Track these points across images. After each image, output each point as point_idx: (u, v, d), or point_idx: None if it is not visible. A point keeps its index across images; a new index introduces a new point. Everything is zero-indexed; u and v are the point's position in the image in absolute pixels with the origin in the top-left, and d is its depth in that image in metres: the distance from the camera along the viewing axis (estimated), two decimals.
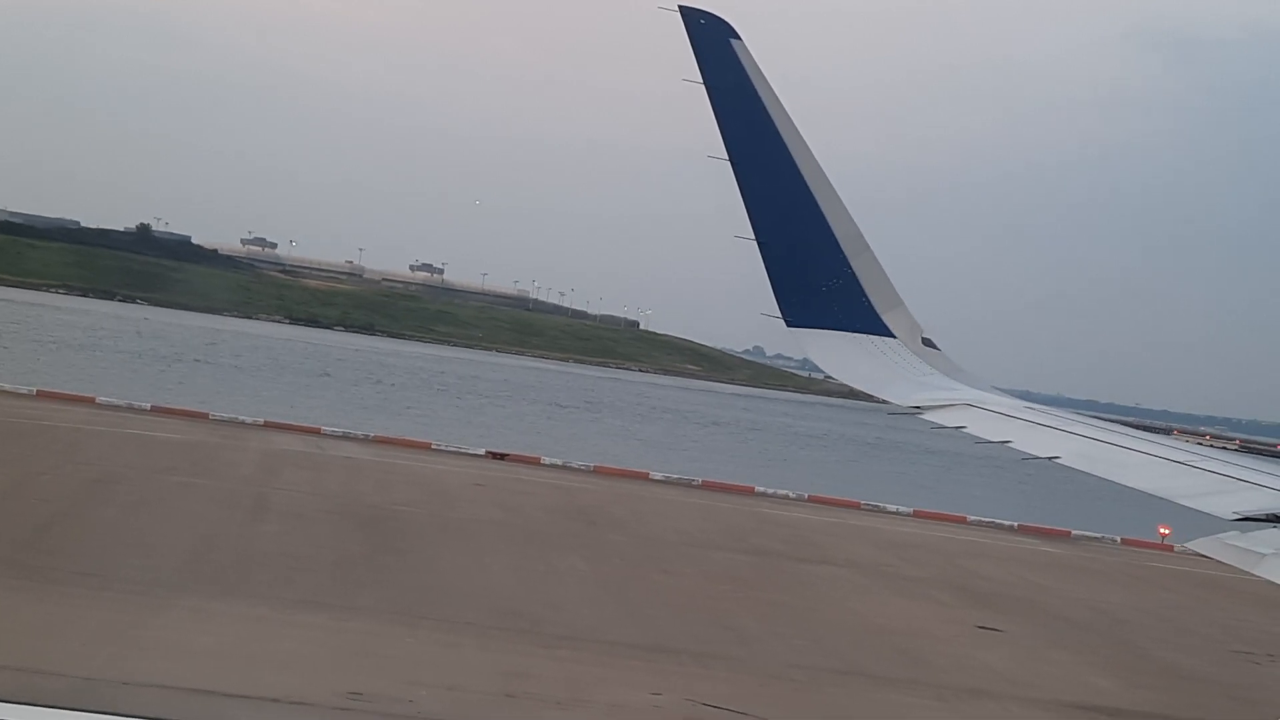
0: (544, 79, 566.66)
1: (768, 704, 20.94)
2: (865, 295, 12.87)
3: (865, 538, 41.98)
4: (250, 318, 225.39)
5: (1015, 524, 49.11)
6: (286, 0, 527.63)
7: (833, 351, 12.99)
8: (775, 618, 28.03)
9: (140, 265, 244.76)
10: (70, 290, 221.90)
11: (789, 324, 12.86)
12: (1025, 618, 31.82)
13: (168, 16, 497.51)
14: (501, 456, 48.63)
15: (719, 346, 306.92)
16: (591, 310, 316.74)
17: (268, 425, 48.73)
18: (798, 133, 12.48)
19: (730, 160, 12.34)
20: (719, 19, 12.32)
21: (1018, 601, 33.97)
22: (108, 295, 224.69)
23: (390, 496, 36.82)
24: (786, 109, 12.45)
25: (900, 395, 12.52)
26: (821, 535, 41.27)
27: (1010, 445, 11.21)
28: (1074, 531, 49.23)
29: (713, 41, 12.30)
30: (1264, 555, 8.75)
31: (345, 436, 48.57)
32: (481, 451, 49.16)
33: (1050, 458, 10.82)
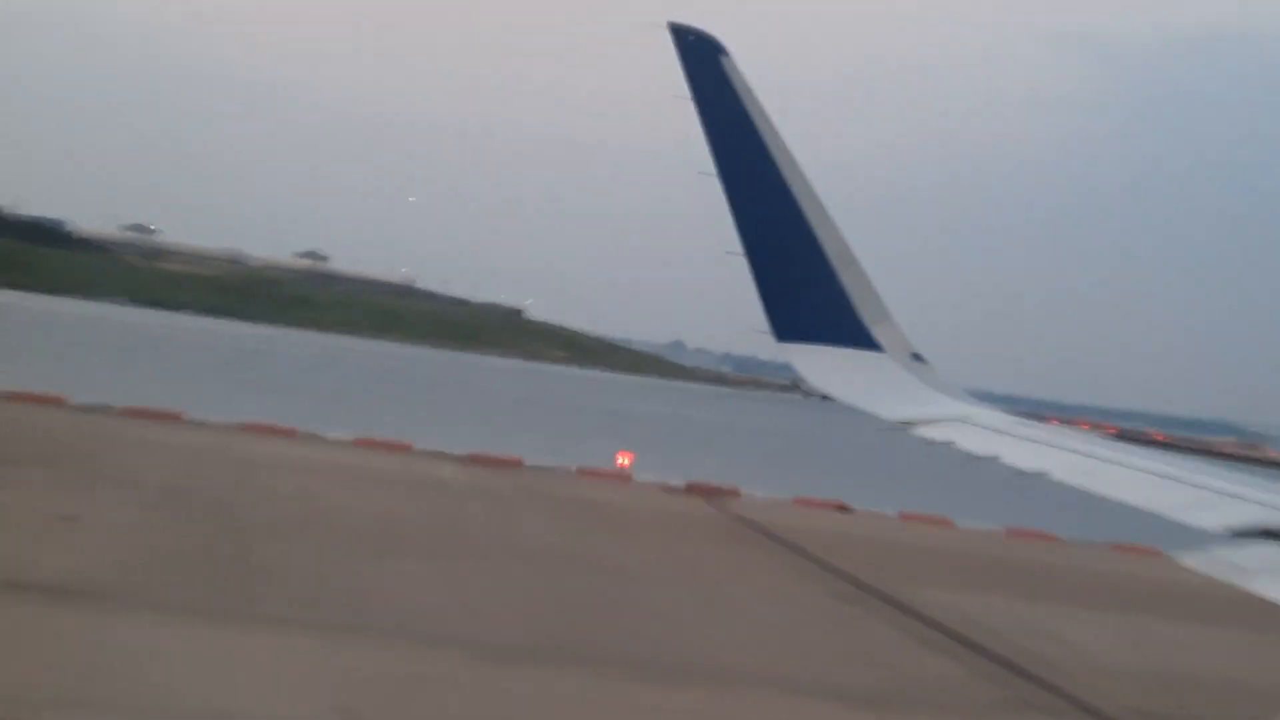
0: (474, 68, 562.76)
1: None
2: (854, 309, 12.83)
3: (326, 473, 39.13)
4: (93, 300, 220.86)
5: (466, 454, 46.63)
6: None
7: (821, 366, 12.88)
8: None
9: None
10: None
11: (778, 338, 12.77)
12: (172, 516, 29.27)
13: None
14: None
15: (641, 340, 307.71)
16: (473, 299, 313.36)
17: None
18: (785, 148, 12.52)
19: (719, 176, 12.40)
20: (708, 37, 12.36)
21: (220, 505, 31.45)
22: None
23: None
24: (774, 125, 12.50)
25: (889, 410, 12.49)
26: (274, 472, 37.82)
27: (999, 460, 11.19)
28: (526, 461, 46.90)
29: (702, 59, 12.33)
30: (1254, 571, 8.72)
31: None
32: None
33: (1038, 472, 10.84)
